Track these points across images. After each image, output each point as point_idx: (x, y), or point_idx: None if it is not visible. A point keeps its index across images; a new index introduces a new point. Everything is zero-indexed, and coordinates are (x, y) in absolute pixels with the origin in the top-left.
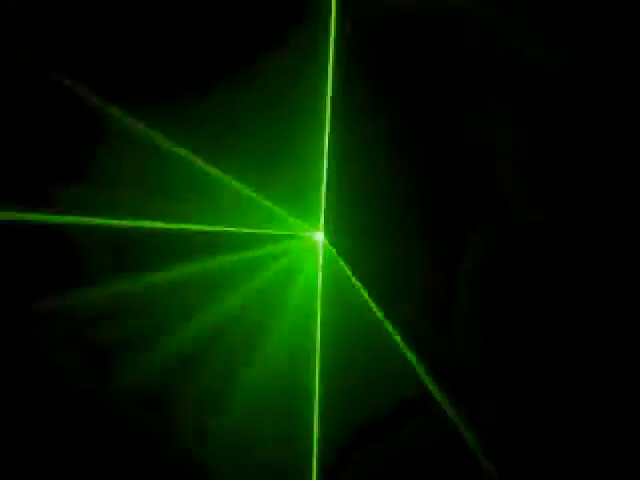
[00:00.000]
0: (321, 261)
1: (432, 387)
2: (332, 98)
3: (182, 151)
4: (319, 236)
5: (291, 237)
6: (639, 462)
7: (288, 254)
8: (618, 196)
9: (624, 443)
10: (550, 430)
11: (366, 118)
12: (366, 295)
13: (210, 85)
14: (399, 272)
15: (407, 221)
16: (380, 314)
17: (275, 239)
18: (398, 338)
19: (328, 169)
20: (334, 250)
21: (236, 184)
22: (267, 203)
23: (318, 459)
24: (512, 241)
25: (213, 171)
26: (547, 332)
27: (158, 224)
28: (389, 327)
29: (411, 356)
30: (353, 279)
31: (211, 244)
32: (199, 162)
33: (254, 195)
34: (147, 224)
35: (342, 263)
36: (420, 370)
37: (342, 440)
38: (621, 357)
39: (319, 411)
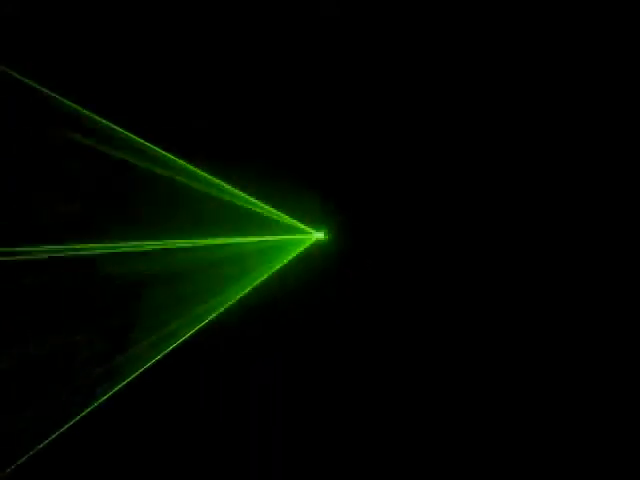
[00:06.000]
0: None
1: None
2: None
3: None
4: (320, 235)
5: (297, 237)
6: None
7: (295, 251)
8: None
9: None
10: None
11: None
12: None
13: None
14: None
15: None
16: None
17: (284, 239)
18: None
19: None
20: (334, 247)
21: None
22: (279, 213)
23: None
24: None
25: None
26: None
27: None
28: None
29: None
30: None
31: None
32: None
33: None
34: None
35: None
36: None
37: None
38: None
39: None
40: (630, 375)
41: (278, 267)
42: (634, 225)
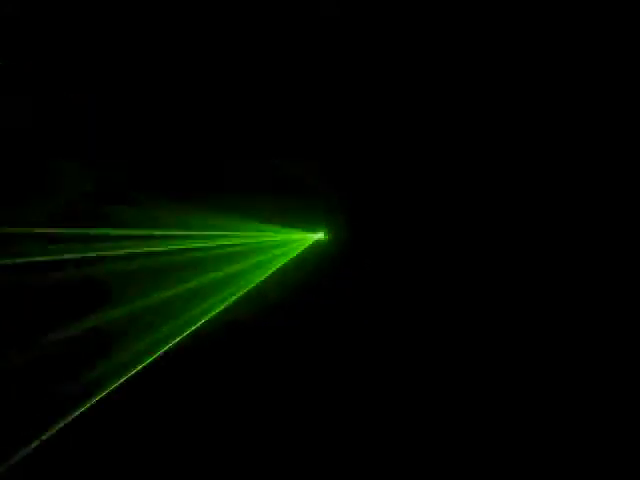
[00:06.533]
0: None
1: None
2: None
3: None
4: (320, 235)
5: (300, 237)
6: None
7: (297, 250)
8: None
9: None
10: None
11: None
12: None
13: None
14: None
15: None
16: None
17: (288, 239)
18: None
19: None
20: (334, 246)
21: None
22: (280, 214)
23: None
24: None
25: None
26: None
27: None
28: None
29: None
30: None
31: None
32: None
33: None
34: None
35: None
36: None
37: None
38: None
39: None
40: (630, 375)
41: (278, 266)
42: (634, 225)
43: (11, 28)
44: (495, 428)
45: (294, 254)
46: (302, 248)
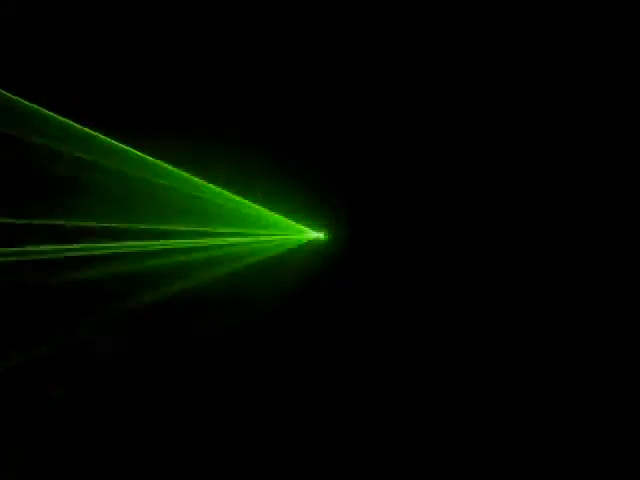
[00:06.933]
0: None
1: None
2: None
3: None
4: (320, 235)
5: (298, 237)
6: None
7: (297, 249)
8: None
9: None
10: None
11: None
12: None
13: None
14: None
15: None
16: None
17: (285, 239)
18: None
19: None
20: (334, 246)
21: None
22: (280, 214)
23: None
24: None
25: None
26: None
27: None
28: None
29: None
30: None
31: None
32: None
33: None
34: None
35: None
36: None
37: None
38: None
39: None
40: (630, 375)
41: (278, 266)
42: (634, 225)
43: (11, 28)
44: (495, 427)
45: (294, 254)
46: (302, 248)
